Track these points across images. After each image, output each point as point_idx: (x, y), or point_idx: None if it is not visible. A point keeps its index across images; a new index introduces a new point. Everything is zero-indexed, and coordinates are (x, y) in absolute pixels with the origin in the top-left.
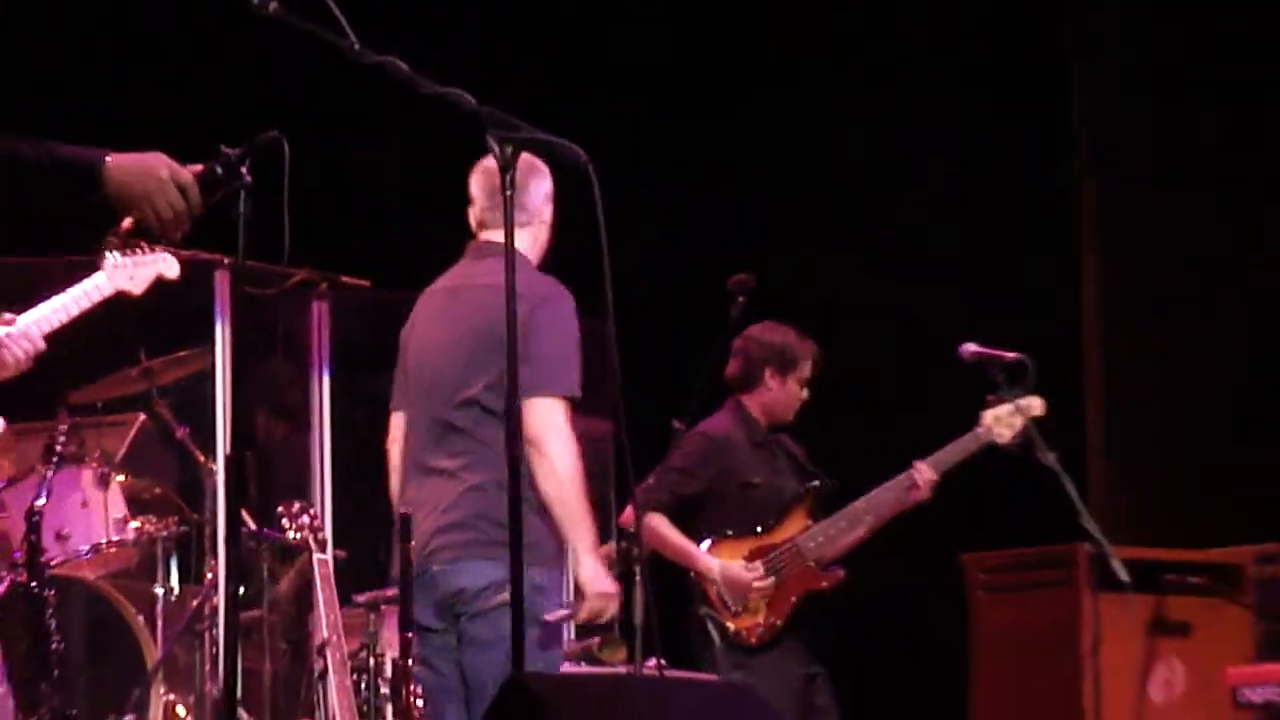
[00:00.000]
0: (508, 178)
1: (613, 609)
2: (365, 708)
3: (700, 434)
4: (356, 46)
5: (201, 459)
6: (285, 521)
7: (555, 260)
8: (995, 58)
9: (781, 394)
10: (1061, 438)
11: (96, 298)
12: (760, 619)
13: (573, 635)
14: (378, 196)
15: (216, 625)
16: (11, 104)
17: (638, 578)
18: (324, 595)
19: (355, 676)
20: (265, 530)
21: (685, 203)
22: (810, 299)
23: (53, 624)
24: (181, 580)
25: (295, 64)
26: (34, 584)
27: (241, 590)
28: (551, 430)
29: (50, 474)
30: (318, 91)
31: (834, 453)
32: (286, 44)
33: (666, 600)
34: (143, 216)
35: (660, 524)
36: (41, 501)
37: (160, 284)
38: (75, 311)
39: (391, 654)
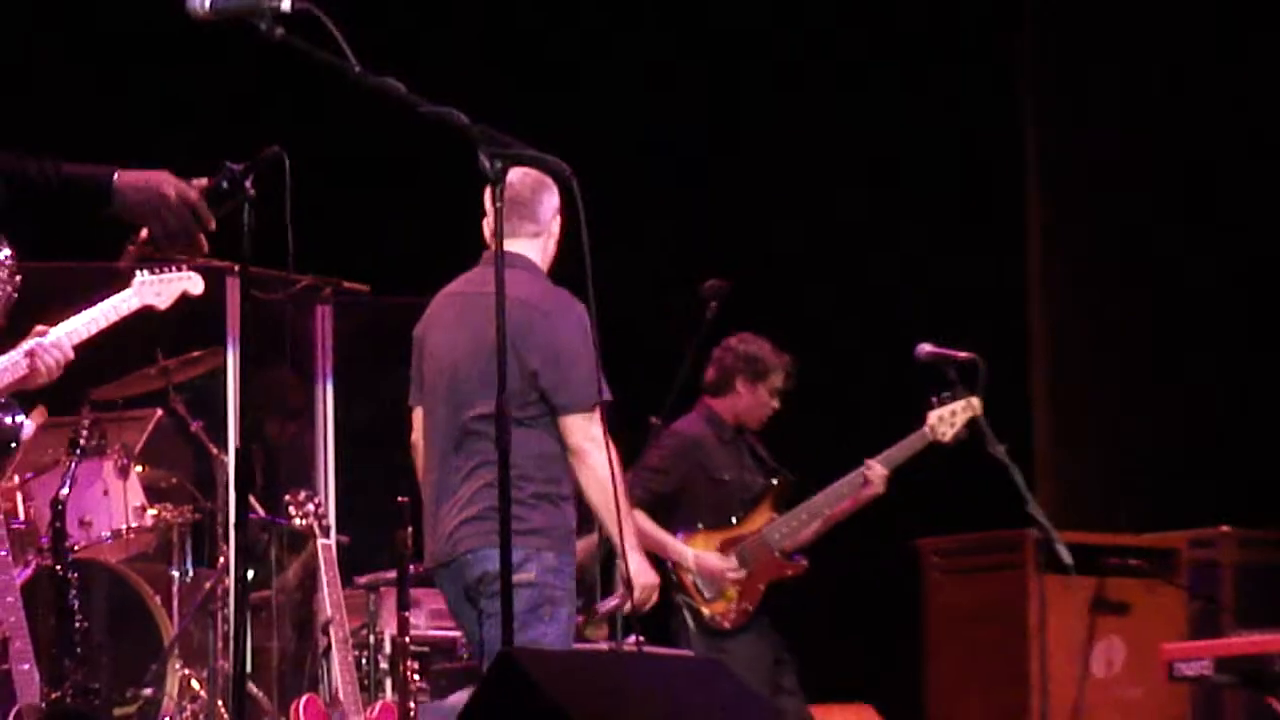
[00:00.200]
0: (498, 190)
1: (655, 597)
2: (366, 681)
3: (673, 434)
4: (357, 69)
5: (214, 451)
6: (292, 509)
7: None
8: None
9: (752, 401)
10: (1010, 431)
11: (125, 311)
12: (733, 605)
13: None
14: (377, 206)
15: (228, 605)
16: (20, 122)
17: (619, 563)
18: (327, 577)
19: (357, 653)
20: (274, 517)
21: (662, 208)
22: (776, 305)
23: (76, 605)
24: (196, 563)
25: (296, 71)
26: (58, 567)
27: (251, 573)
28: (590, 442)
29: (74, 465)
30: (319, 98)
31: (794, 449)
32: (289, 58)
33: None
34: (152, 230)
35: (639, 518)
36: (65, 491)
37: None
38: (104, 324)
39: (390, 632)
